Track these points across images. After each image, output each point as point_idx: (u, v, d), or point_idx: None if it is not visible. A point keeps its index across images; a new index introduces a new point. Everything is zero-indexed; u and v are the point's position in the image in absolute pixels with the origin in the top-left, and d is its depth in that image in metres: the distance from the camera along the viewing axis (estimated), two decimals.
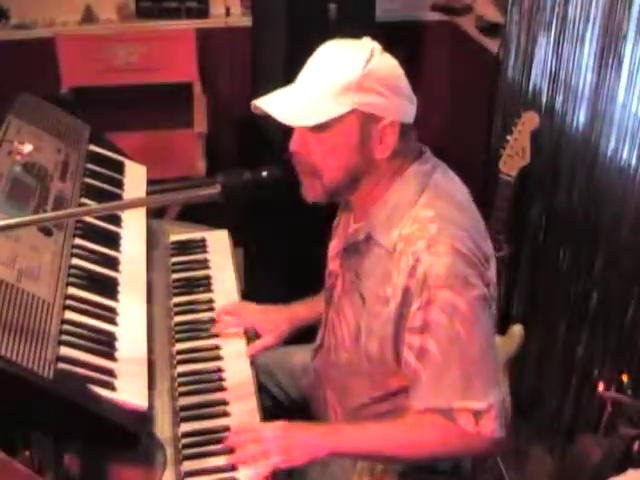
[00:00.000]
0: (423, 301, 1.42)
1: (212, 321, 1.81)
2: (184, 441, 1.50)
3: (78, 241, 1.70)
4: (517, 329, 2.45)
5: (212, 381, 1.65)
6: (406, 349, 1.46)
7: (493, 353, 1.48)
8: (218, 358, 1.72)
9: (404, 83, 1.48)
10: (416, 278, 1.42)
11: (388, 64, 1.47)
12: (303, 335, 1.87)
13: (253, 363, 1.74)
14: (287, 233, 2.95)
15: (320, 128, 1.43)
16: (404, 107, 1.47)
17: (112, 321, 1.57)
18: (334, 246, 1.70)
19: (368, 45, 1.47)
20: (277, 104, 1.46)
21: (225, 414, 1.57)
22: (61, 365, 1.38)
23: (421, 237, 1.43)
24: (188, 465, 1.46)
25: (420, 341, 1.43)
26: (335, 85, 1.42)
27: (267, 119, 1.45)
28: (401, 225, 1.47)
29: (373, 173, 1.50)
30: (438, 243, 1.41)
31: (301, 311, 1.86)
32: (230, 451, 1.50)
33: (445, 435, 1.46)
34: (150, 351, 1.59)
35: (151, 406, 1.51)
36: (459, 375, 1.42)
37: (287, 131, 1.49)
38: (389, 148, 1.47)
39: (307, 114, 1.43)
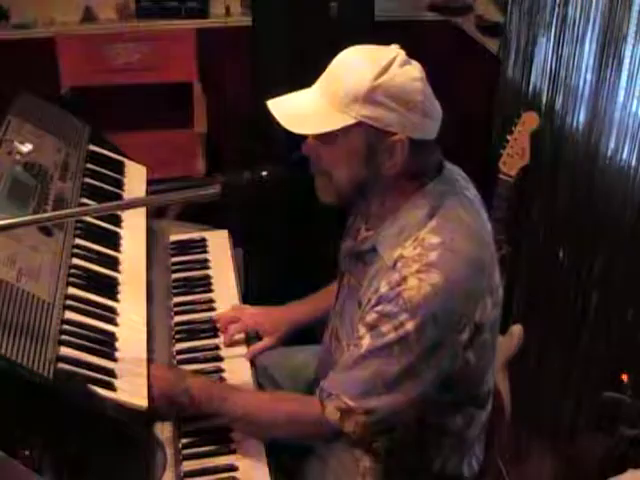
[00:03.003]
0: (385, 310, 1.40)
1: (212, 321, 1.81)
2: (184, 441, 1.51)
3: (78, 241, 1.70)
4: (517, 329, 2.45)
5: None
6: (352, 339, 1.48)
7: (410, 389, 1.42)
8: (218, 358, 1.72)
9: (421, 97, 1.40)
10: (393, 292, 1.40)
11: (405, 77, 1.39)
12: (303, 335, 1.87)
13: (253, 363, 1.74)
14: (287, 233, 2.95)
15: (327, 137, 1.41)
16: (417, 123, 1.40)
17: (112, 321, 1.57)
18: (345, 247, 1.67)
19: (390, 54, 1.41)
20: (285, 108, 1.44)
21: None
22: (61, 365, 1.38)
23: (418, 261, 1.40)
24: (188, 465, 1.46)
25: (363, 336, 1.43)
26: (343, 95, 1.39)
27: (272, 118, 1.44)
28: (406, 245, 1.43)
29: (382, 187, 1.47)
30: (430, 272, 1.38)
31: (301, 311, 1.86)
32: (231, 452, 1.51)
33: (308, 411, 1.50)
34: (150, 351, 1.59)
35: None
36: (364, 379, 1.42)
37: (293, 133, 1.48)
38: (398, 164, 1.42)
39: (311, 123, 1.41)
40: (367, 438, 1.46)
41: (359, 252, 1.56)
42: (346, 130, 1.39)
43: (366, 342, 1.42)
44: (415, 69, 1.43)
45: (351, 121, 1.39)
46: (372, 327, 1.42)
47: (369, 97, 1.37)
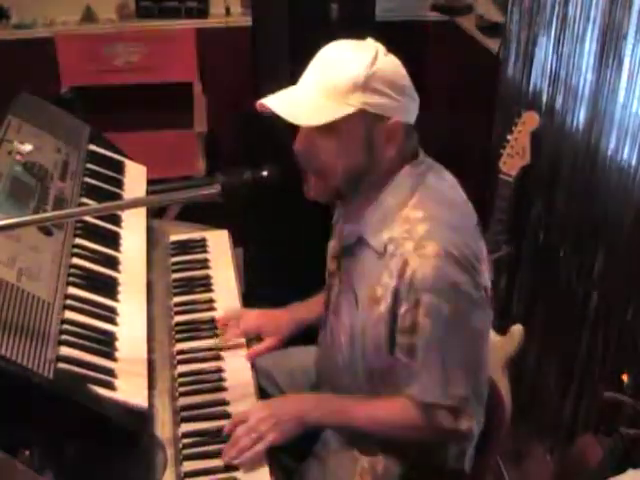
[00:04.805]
0: (410, 303, 1.43)
1: (212, 321, 1.81)
2: (184, 441, 1.50)
3: (78, 241, 1.70)
4: (517, 329, 2.45)
5: (212, 381, 1.65)
6: (398, 349, 1.49)
7: (478, 356, 1.51)
8: (218, 358, 1.72)
9: (408, 83, 1.49)
10: (404, 280, 1.43)
11: (393, 64, 1.47)
12: (303, 336, 1.87)
13: (253, 363, 1.74)
14: (287, 233, 2.95)
15: (326, 128, 1.43)
16: (408, 107, 1.48)
17: (112, 321, 1.57)
18: (332, 246, 1.70)
19: (372, 46, 1.48)
20: (284, 104, 1.45)
21: (225, 414, 1.57)
22: (61, 365, 1.38)
23: (410, 239, 1.44)
24: (188, 465, 1.46)
25: (408, 341, 1.46)
26: (341, 85, 1.42)
27: (275, 118, 1.45)
28: (392, 227, 1.48)
29: (375, 175, 1.50)
30: (426, 245, 1.42)
31: (302, 312, 1.86)
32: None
33: (424, 426, 1.51)
34: (150, 351, 1.59)
35: (151, 406, 1.51)
36: (439, 376, 1.46)
37: (296, 130, 1.49)
38: (395, 147, 1.47)
39: (314, 114, 1.43)
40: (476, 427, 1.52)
41: (347, 247, 1.58)
42: (346, 119, 1.42)
43: (418, 345, 1.45)
44: (394, 57, 1.50)
45: (353, 109, 1.42)
46: (411, 329, 1.45)
47: (368, 84, 1.42)
